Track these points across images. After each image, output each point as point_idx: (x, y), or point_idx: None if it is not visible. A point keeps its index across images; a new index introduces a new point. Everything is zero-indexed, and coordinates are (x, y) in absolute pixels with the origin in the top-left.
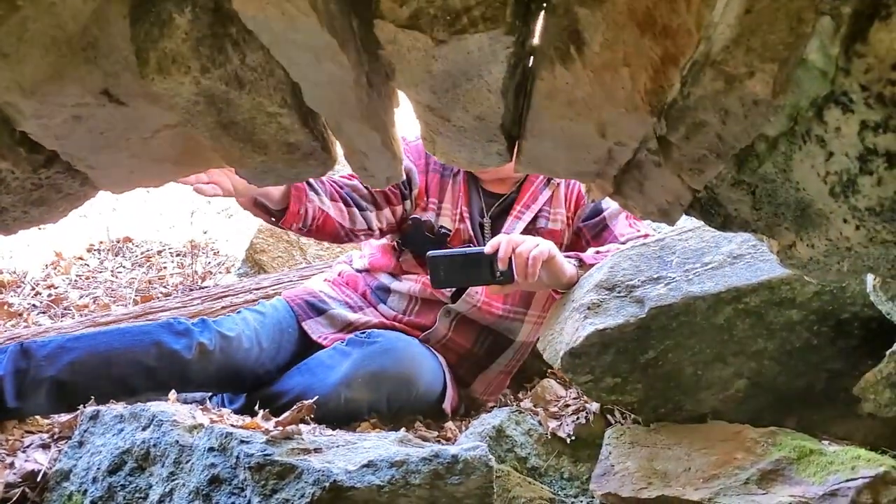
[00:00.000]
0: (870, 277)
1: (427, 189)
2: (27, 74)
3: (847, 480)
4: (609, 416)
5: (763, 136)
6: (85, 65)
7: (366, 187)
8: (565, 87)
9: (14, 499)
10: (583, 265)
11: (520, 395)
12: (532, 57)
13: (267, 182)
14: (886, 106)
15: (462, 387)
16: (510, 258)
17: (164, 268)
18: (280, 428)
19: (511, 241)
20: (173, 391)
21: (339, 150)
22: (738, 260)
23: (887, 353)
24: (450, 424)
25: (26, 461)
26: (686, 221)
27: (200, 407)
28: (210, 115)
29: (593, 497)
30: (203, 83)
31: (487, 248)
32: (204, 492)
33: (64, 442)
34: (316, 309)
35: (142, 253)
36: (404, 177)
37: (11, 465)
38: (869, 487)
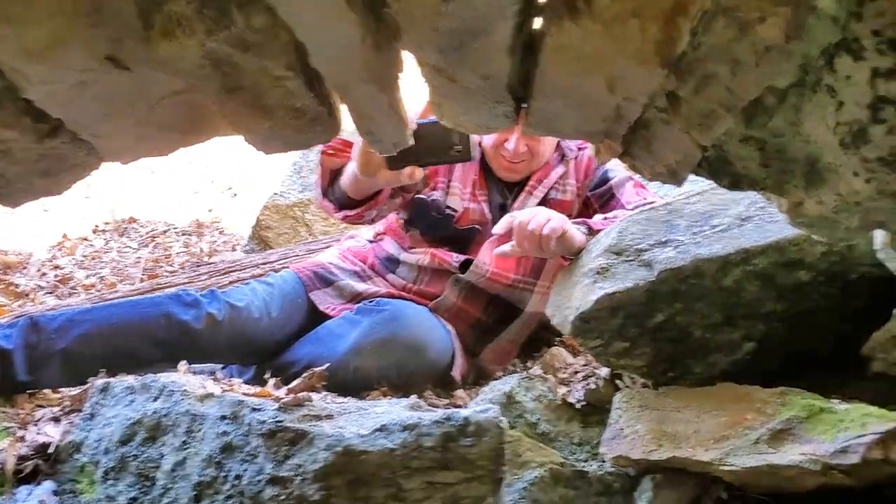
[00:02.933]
0: (878, 235)
1: (437, 168)
2: (33, 39)
3: (857, 437)
4: (618, 382)
5: (772, 89)
6: (90, 29)
7: None
8: (574, 41)
9: (27, 471)
10: (591, 231)
11: (528, 364)
12: (537, 14)
13: (274, 149)
14: None
15: (470, 356)
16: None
17: (170, 247)
18: (291, 395)
19: (519, 220)
20: (184, 362)
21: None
22: (746, 222)
23: (895, 311)
24: (460, 392)
25: (38, 434)
26: (693, 186)
27: (211, 377)
28: (216, 80)
29: (604, 461)
30: (208, 46)
31: (498, 229)
32: (216, 459)
33: (75, 415)
34: (324, 280)
35: (147, 233)
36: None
37: (23, 438)
38: (879, 443)
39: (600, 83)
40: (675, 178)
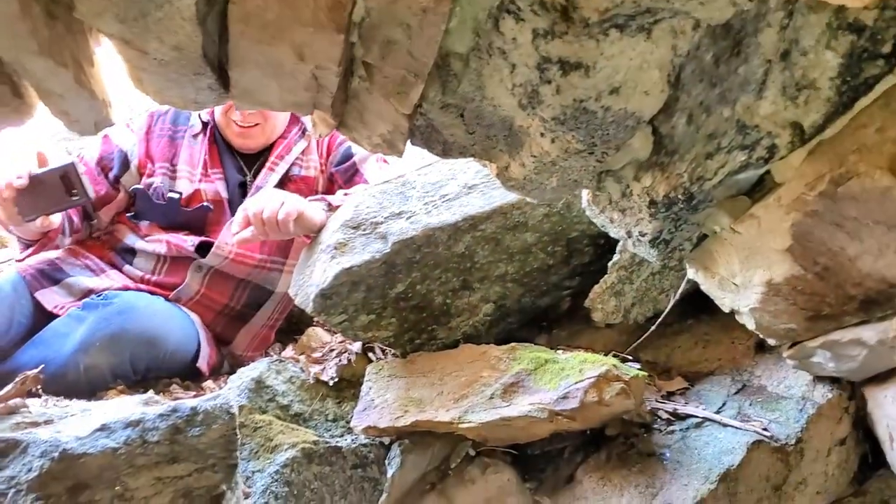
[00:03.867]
0: (584, 193)
1: (151, 155)
2: None
3: (576, 382)
4: (370, 354)
5: (456, 54)
6: None
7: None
8: (256, 8)
9: None
10: (331, 207)
11: (289, 348)
12: None
13: None
14: (549, 11)
15: (223, 344)
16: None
17: None
18: (2, 403)
19: (253, 211)
20: None
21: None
22: (472, 190)
23: (609, 264)
24: (209, 383)
25: None
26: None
27: None
28: None
29: (358, 434)
30: None
31: (235, 227)
32: None
33: None
34: (51, 278)
35: None
36: (114, 122)
37: None
38: (594, 386)
39: (288, 51)
40: (394, 148)
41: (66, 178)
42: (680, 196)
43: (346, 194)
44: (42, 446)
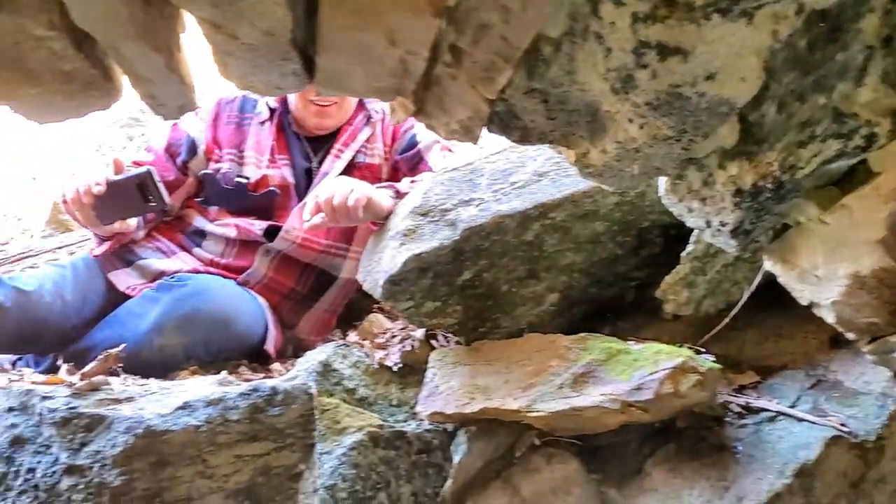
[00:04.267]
0: (662, 181)
1: (218, 142)
2: None
3: (651, 374)
4: (433, 341)
5: (547, 39)
6: None
7: None
8: None
9: None
10: (399, 195)
11: (349, 333)
12: None
13: (47, 118)
14: None
15: (287, 328)
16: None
17: None
18: (86, 380)
19: (324, 198)
20: None
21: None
22: (542, 177)
23: (682, 254)
24: (276, 365)
25: None
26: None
27: None
28: None
29: (422, 419)
30: None
31: (307, 215)
32: (6, 454)
33: None
34: (123, 259)
35: None
36: (198, 107)
37: None
38: (670, 377)
39: (380, 36)
40: (470, 135)
41: (143, 186)
42: (769, 185)
43: (412, 182)
44: (126, 422)
